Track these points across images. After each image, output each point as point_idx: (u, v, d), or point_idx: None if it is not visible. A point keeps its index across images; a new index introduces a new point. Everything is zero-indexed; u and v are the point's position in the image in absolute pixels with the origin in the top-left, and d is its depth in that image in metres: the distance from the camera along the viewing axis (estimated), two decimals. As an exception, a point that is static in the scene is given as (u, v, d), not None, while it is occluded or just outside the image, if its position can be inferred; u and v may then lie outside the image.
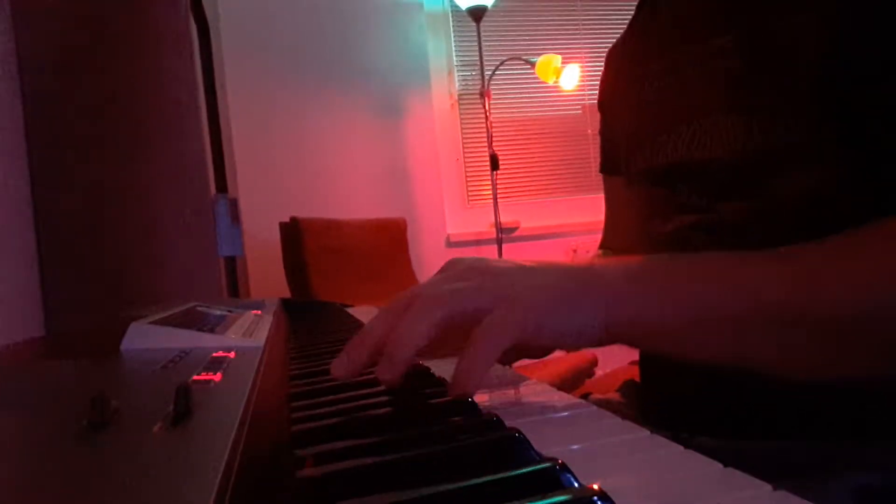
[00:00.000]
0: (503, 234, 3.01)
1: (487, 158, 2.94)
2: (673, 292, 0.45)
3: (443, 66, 3.23)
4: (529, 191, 3.35)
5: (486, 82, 2.99)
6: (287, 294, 2.45)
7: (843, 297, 0.42)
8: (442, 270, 0.48)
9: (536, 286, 0.44)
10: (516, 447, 0.30)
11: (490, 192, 2.99)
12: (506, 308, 0.42)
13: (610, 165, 0.86)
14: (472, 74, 3.25)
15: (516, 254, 3.11)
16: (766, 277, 0.45)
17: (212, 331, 0.53)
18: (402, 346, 0.41)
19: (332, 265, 2.49)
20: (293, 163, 2.94)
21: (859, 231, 0.44)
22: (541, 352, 0.57)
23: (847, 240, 0.44)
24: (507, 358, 0.56)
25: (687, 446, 0.31)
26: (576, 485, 0.26)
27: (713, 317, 0.45)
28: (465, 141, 3.28)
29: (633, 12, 0.80)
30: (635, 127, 0.72)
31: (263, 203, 2.71)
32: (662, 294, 0.45)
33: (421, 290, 0.44)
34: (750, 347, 0.45)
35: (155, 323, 0.51)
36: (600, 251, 0.89)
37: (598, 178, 0.90)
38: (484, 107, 3.00)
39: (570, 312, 0.44)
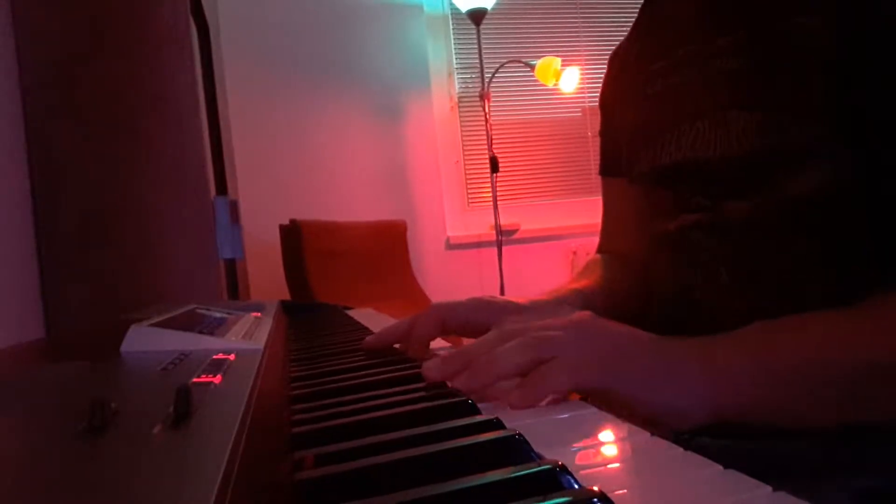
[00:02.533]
0: (503, 236, 3.01)
1: (487, 161, 2.94)
2: (780, 367, 0.46)
3: (443, 68, 3.24)
4: (529, 193, 3.35)
5: (485, 85, 2.99)
6: (287, 296, 2.45)
7: None
8: (550, 314, 0.50)
9: (637, 350, 0.46)
10: (517, 448, 0.30)
11: (490, 194, 2.99)
12: (585, 355, 0.44)
13: (610, 167, 0.85)
14: (471, 77, 3.25)
15: (516, 256, 3.11)
16: (865, 338, 0.45)
17: (212, 333, 0.53)
18: (487, 370, 0.44)
19: (332, 267, 2.49)
20: (293, 165, 2.94)
21: None
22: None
23: None
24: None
25: (687, 447, 0.31)
26: (576, 486, 0.26)
27: (825, 385, 0.45)
28: (464, 143, 3.28)
29: (633, 14, 0.80)
30: (639, 126, 0.71)
31: (263, 205, 2.71)
32: (770, 371, 0.46)
33: (523, 330, 0.47)
34: (864, 408, 0.46)
35: (155, 325, 0.51)
36: (598, 255, 0.88)
37: (597, 181, 0.89)
38: (484, 109, 3.00)
39: (670, 391, 0.45)
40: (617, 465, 0.32)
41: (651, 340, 0.48)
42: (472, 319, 0.61)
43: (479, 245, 3.19)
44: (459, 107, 3.27)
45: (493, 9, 2.90)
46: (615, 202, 0.87)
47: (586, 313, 0.49)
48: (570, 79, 3.06)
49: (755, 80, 0.57)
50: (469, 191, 3.28)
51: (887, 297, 0.46)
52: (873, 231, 0.51)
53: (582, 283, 0.77)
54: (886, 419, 0.45)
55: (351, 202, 2.98)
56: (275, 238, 2.53)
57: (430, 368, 0.46)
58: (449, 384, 0.44)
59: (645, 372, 0.45)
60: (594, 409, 0.40)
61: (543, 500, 0.24)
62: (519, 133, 3.34)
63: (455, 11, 3.17)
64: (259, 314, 0.73)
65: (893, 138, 0.50)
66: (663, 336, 0.48)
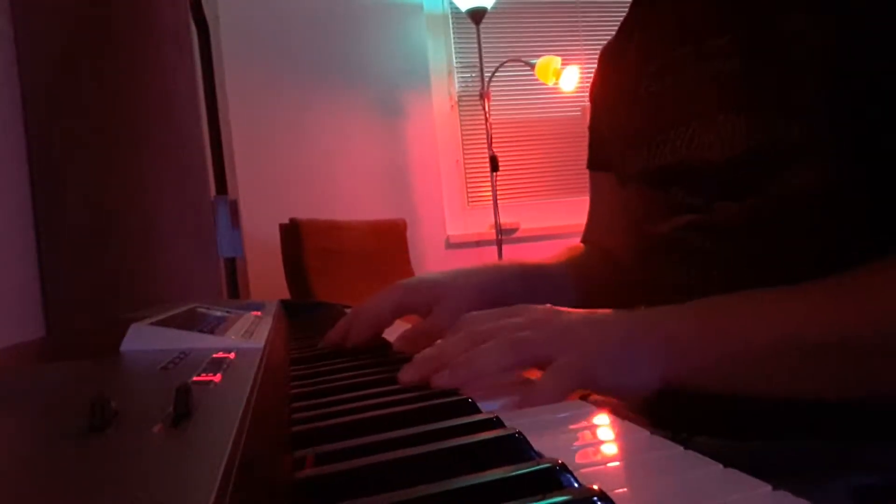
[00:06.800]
0: (503, 235, 3.01)
1: (487, 160, 2.94)
2: (724, 338, 0.47)
3: (443, 67, 3.24)
4: (529, 192, 3.35)
5: (485, 84, 2.99)
6: (287, 295, 2.45)
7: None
8: (512, 313, 0.51)
9: (599, 338, 0.47)
10: (516, 447, 0.30)
11: (490, 193, 2.99)
12: (572, 356, 0.45)
13: (597, 160, 0.86)
14: (471, 76, 3.25)
15: (516, 255, 3.10)
16: (802, 313, 0.47)
17: (212, 332, 0.53)
18: (467, 369, 0.45)
19: (332, 266, 2.49)
20: (293, 164, 2.94)
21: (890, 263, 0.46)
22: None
23: (881, 273, 0.46)
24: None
25: (686, 446, 0.31)
26: (575, 485, 0.26)
27: (762, 355, 0.46)
28: (464, 142, 3.28)
29: (630, 13, 0.80)
30: (632, 128, 0.71)
31: (263, 204, 2.71)
32: (714, 340, 0.47)
33: (497, 331, 0.48)
34: (792, 381, 0.47)
35: (155, 324, 0.51)
36: (581, 245, 0.89)
37: (597, 180, 0.90)
38: (484, 108, 3.00)
39: (631, 363, 0.46)
40: (617, 463, 0.32)
41: (606, 317, 0.50)
42: (407, 304, 0.66)
43: (478, 244, 3.19)
44: (459, 106, 3.27)
45: (492, 8, 2.90)
46: (601, 196, 0.88)
47: (544, 309, 0.51)
48: (570, 78, 3.06)
49: (748, 82, 0.56)
50: (469, 190, 3.28)
51: (854, 274, 0.47)
52: (870, 229, 0.51)
53: (545, 261, 0.79)
54: (846, 398, 0.47)
55: (351, 201, 2.97)
56: (274, 237, 2.53)
57: (405, 372, 0.47)
58: (432, 383, 0.45)
59: (606, 352, 0.47)
60: (594, 409, 0.40)
61: (543, 499, 0.24)
62: (519, 132, 3.34)
63: (455, 10, 3.17)
64: (259, 313, 0.73)
65: (891, 136, 0.50)
66: (616, 311, 0.50)
